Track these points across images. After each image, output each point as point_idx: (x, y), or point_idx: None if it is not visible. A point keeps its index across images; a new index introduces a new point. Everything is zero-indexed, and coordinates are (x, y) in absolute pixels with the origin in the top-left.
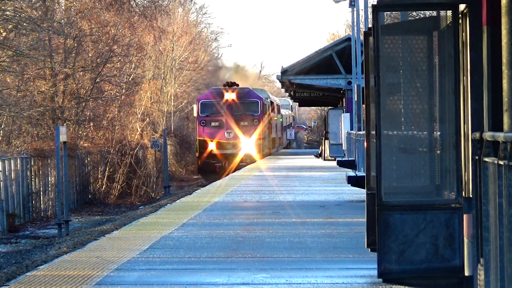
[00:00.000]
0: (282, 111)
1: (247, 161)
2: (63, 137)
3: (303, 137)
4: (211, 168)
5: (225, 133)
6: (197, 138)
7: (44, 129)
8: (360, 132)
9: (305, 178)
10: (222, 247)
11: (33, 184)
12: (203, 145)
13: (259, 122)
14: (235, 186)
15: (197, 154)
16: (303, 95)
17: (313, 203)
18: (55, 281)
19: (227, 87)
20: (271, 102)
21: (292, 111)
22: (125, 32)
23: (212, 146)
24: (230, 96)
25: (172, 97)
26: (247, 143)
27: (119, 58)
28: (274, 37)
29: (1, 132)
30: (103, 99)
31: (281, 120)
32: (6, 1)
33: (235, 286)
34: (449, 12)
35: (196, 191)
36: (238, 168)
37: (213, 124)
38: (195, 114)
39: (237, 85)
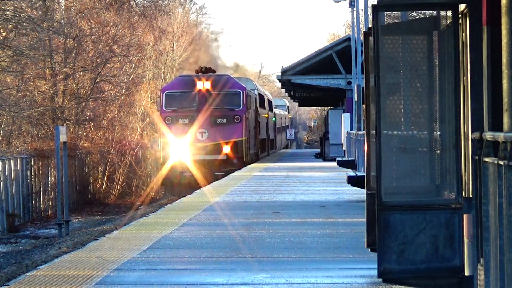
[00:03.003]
0: (276, 111)
1: (226, 169)
2: (63, 137)
3: (303, 137)
4: (179, 179)
5: (197, 133)
6: (161, 139)
7: (44, 129)
8: (360, 132)
9: (305, 178)
10: (222, 247)
11: (33, 184)
12: (169, 148)
13: (241, 119)
14: (235, 186)
15: (160, 161)
16: (303, 95)
17: (313, 203)
18: (55, 281)
19: (200, 73)
20: (261, 96)
21: (289, 112)
22: (125, 32)
23: (180, 151)
24: (204, 85)
25: None
26: (226, 147)
27: (119, 58)
28: (274, 37)
29: (1, 132)
30: (103, 99)
31: (274, 119)
32: (6, 1)
33: (235, 286)
34: (449, 12)
35: (196, 191)
36: (216, 178)
37: (181, 121)
38: (158, 108)
39: (214, 71)
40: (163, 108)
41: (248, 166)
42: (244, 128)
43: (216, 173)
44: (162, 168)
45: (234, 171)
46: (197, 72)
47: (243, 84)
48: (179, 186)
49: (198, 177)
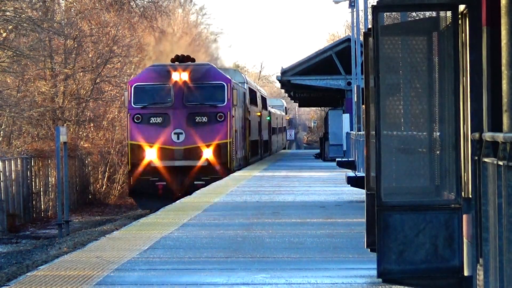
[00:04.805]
0: (273, 111)
1: (207, 177)
2: (63, 138)
3: (302, 137)
4: (151, 189)
5: (172, 134)
6: (128, 141)
7: (45, 130)
8: (359, 133)
9: (305, 179)
10: (222, 247)
11: (34, 185)
12: (138, 153)
13: (225, 117)
14: (234, 186)
15: (128, 167)
16: (303, 96)
17: (312, 203)
18: (55, 281)
19: (176, 63)
20: (252, 91)
21: (286, 113)
22: (125, 32)
23: (151, 155)
24: (180, 76)
25: None
26: (206, 150)
27: (119, 59)
28: (274, 38)
29: (2, 132)
30: (103, 99)
31: (268, 118)
32: (6, 1)
33: (235, 286)
34: (449, 13)
35: (196, 192)
36: (195, 188)
37: (153, 120)
38: (126, 104)
39: (193, 60)
40: (131, 104)
41: (233, 174)
42: (229, 128)
43: (195, 183)
44: (129, 177)
45: (217, 180)
46: (172, 61)
47: (228, 76)
48: (150, 198)
49: (173, 187)
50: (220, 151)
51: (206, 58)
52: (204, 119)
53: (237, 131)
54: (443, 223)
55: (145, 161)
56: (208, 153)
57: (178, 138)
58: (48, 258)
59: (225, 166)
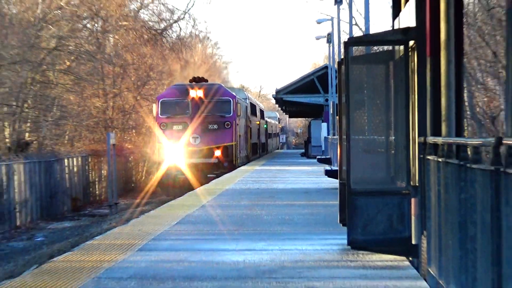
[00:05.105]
0: (269, 120)
1: (217, 171)
2: (112, 141)
3: (292, 141)
4: (174, 181)
5: (190, 138)
6: (156, 144)
7: (98, 135)
8: (334, 137)
9: (293, 171)
10: (231, 222)
11: (90, 176)
12: (164, 153)
13: (231, 126)
14: (240, 177)
15: (157, 164)
16: (292, 109)
17: (299, 190)
18: (107, 248)
19: (193, 83)
20: (252, 105)
21: (279, 122)
22: (159, 62)
23: (174, 155)
24: (196, 93)
25: None
26: (217, 151)
27: (154, 82)
28: (271, 65)
29: (67, 137)
30: (142, 112)
31: (265, 126)
32: (69, 38)
33: (242, 252)
34: (402, 47)
35: (214, 180)
36: (208, 180)
37: (175, 127)
38: (154, 115)
39: (206, 80)
40: (158, 115)
41: (238, 168)
42: (234, 133)
43: (208, 175)
44: (157, 171)
45: (225, 173)
46: (190, 81)
47: (234, 94)
48: (173, 187)
49: (191, 179)
50: (227, 151)
51: (219, 80)
52: (215, 126)
53: (241, 136)
54: (396, 205)
55: (169, 160)
56: (218, 153)
57: (195, 141)
58: (102, 231)
59: (231, 162)
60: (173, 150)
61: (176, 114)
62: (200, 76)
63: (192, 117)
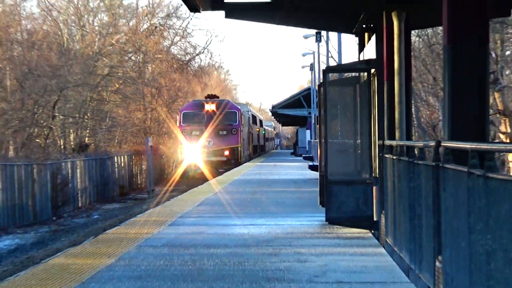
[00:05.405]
0: (267, 128)
1: (226, 167)
2: (150, 143)
3: (284, 143)
4: (192, 175)
5: (205, 141)
6: (179, 146)
7: (140, 139)
8: (315, 140)
9: (285, 166)
10: (238, 204)
11: (134, 169)
12: (185, 153)
13: (237, 132)
14: (245, 171)
15: (176, 162)
16: (284, 120)
17: (289, 180)
18: (146, 223)
19: (207, 99)
20: (253, 116)
21: (274, 130)
22: (185, 84)
23: (192, 154)
24: (210, 107)
25: None
26: (226, 151)
27: (181, 99)
28: (268, 86)
29: (116, 140)
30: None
31: (263, 132)
32: (118, 67)
33: (246, 226)
34: (365, 74)
35: (224, 173)
36: (219, 173)
37: (194, 133)
38: (177, 124)
39: (217, 97)
40: (181, 123)
41: (243, 164)
42: (239, 137)
43: (219, 170)
44: (180, 166)
45: (233, 168)
46: (205, 98)
47: (239, 107)
48: (193, 178)
49: (206, 173)
50: (234, 151)
51: (230, 98)
52: (224, 132)
53: (244, 139)
54: (362, 191)
55: (189, 158)
56: (227, 153)
57: (209, 144)
58: (142, 210)
59: (237, 160)
60: (192, 150)
61: (194, 123)
62: (213, 94)
63: (207, 125)
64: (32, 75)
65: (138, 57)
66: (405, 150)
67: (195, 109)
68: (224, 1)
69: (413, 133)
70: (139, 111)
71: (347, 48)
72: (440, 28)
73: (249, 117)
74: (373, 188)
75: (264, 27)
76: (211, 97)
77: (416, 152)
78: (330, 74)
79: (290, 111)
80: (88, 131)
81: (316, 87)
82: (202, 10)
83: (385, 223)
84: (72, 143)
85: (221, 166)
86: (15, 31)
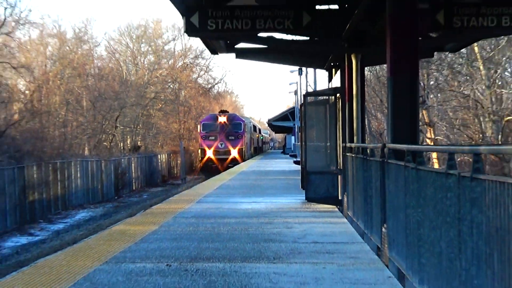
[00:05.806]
0: (264, 134)
1: (234, 163)
2: (183, 145)
3: (276, 145)
4: (209, 168)
5: (218, 144)
6: (199, 148)
7: (176, 142)
8: (298, 143)
9: (277, 161)
10: (244, 188)
11: (171, 163)
12: (204, 152)
13: (242, 137)
14: (248, 164)
15: (199, 159)
16: (276, 129)
17: (280, 171)
18: (180, 201)
19: (220, 113)
20: (254, 126)
21: (269, 136)
22: (207, 105)
23: (209, 153)
24: (222, 119)
25: None
26: (233, 151)
27: (205, 115)
28: (266, 104)
29: (159, 143)
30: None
31: (261, 137)
32: (161, 92)
33: (250, 203)
34: (333, 97)
35: (233, 167)
36: (227, 168)
37: (210, 138)
38: (198, 131)
39: (227, 111)
40: (200, 131)
41: (247, 160)
42: (243, 141)
43: (229, 165)
44: (200, 163)
45: (238, 164)
46: (219, 112)
47: (244, 119)
48: (209, 171)
49: (219, 167)
50: (240, 151)
51: (238, 113)
52: (233, 137)
53: (247, 143)
54: (330, 179)
55: (206, 156)
56: (234, 153)
57: (221, 146)
58: (177, 192)
59: (242, 158)
60: (209, 151)
61: (211, 130)
62: (225, 110)
63: (220, 132)
64: (101, 98)
65: (175, 86)
66: (361, 150)
67: (211, 120)
68: (235, 47)
69: (366, 138)
70: (175, 123)
71: (320, 79)
72: (385, 65)
73: (251, 127)
74: (338, 176)
75: (263, 64)
76: (223, 112)
77: (368, 151)
78: (308, 98)
79: (281, 123)
80: (140, 137)
81: (299, 106)
82: (220, 53)
83: (347, 201)
84: (128, 145)
85: (230, 162)
86: (90, 67)
